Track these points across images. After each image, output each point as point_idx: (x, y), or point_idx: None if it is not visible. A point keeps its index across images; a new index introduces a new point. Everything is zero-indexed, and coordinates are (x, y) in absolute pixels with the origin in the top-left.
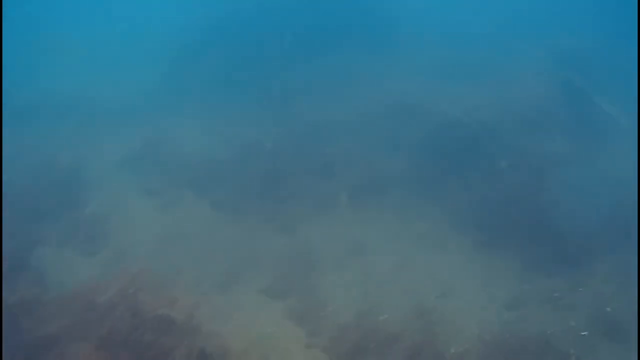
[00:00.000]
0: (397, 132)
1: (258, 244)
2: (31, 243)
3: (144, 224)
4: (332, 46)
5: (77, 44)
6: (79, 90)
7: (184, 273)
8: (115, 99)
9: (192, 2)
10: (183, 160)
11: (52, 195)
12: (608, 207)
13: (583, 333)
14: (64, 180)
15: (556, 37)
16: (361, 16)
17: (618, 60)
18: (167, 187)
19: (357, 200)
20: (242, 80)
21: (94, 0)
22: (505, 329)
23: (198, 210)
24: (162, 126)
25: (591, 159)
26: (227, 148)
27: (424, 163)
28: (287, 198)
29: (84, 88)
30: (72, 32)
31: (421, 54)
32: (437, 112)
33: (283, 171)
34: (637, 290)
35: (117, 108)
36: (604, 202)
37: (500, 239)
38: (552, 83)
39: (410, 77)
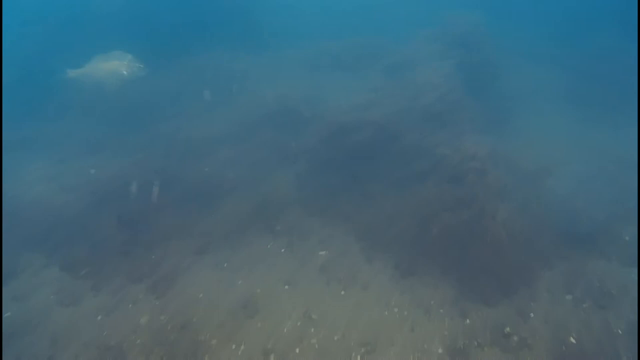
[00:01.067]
0: (284, 141)
1: (128, 316)
2: None
3: None
4: (196, 45)
5: None
6: None
7: None
8: None
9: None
10: (21, 215)
11: None
12: (541, 213)
13: None
14: None
15: (441, 17)
16: (227, 10)
17: (511, 40)
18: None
19: (244, 235)
20: (87, 99)
21: None
22: None
23: (45, 279)
24: None
25: (515, 157)
26: (76, 191)
27: (319, 176)
28: (157, 245)
29: None
30: None
31: (299, 47)
32: (327, 113)
33: (150, 209)
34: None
35: None
36: (536, 207)
37: (424, 263)
38: (449, 68)
39: (290, 75)
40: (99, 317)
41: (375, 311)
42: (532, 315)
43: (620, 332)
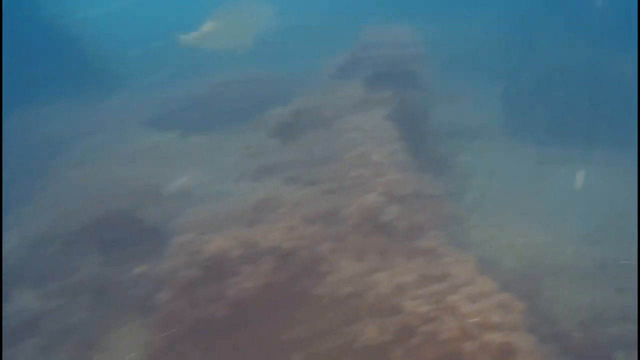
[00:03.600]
0: (121, 284)
1: None
2: None
3: None
4: None
5: None
6: None
7: None
8: None
9: None
10: None
11: None
12: None
13: None
14: None
15: (359, 33)
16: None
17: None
18: None
19: None
20: None
21: None
22: None
23: None
24: None
25: None
26: None
27: None
28: None
29: None
30: None
31: (133, 90)
32: (184, 222)
33: None
34: None
35: None
36: None
37: None
38: (383, 121)
39: (116, 140)
40: None
41: None
42: None
43: None
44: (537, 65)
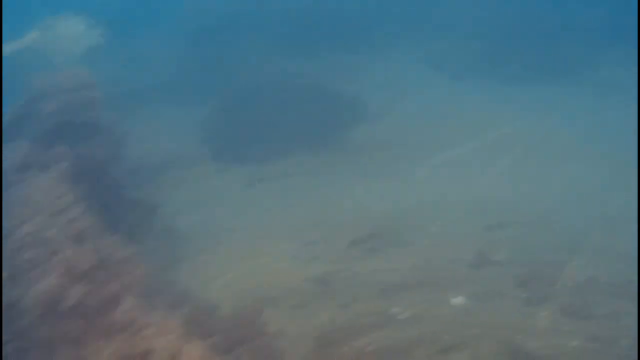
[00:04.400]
0: None
1: None
2: None
3: None
4: None
5: None
6: None
7: None
8: None
9: None
10: None
11: None
12: None
13: None
14: None
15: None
16: None
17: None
18: None
19: None
20: None
21: None
22: None
23: None
24: None
25: None
26: None
27: None
28: None
29: None
30: None
31: None
32: None
33: None
34: None
35: None
36: None
37: None
38: (61, 185)
39: None
40: None
41: None
42: None
43: None
44: (232, 83)
